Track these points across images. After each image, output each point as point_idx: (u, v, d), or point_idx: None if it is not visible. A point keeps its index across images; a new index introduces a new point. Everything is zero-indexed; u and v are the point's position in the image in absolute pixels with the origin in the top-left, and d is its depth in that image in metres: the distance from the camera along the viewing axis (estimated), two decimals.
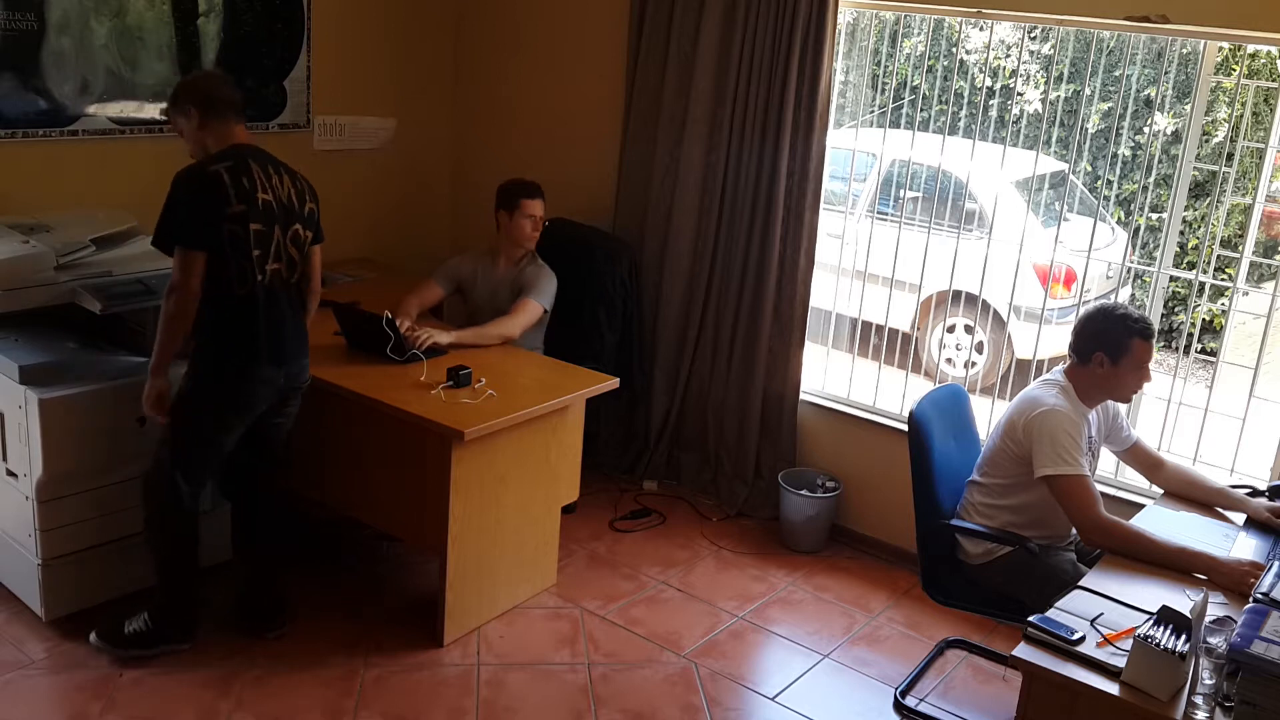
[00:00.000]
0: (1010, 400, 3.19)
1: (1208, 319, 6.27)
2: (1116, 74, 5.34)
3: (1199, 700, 2.02)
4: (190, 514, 3.01)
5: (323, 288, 3.96)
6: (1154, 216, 6.06)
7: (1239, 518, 2.90)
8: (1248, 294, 4.41)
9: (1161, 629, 2.10)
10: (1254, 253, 3.82)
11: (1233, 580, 2.47)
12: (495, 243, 3.95)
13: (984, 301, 5.29)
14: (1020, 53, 5.37)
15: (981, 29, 5.67)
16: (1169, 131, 6.28)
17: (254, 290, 2.86)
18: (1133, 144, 6.53)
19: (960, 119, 5.91)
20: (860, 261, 4.39)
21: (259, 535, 3.24)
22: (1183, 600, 2.36)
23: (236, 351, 2.88)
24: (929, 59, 4.76)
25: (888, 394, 4.20)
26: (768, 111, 3.98)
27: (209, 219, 2.76)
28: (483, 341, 3.62)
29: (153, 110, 3.92)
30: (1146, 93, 6.45)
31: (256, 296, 2.86)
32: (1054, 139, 6.05)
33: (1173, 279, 4.35)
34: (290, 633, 3.26)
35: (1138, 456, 3.14)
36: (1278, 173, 4.13)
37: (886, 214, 5.40)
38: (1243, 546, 2.70)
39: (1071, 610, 2.31)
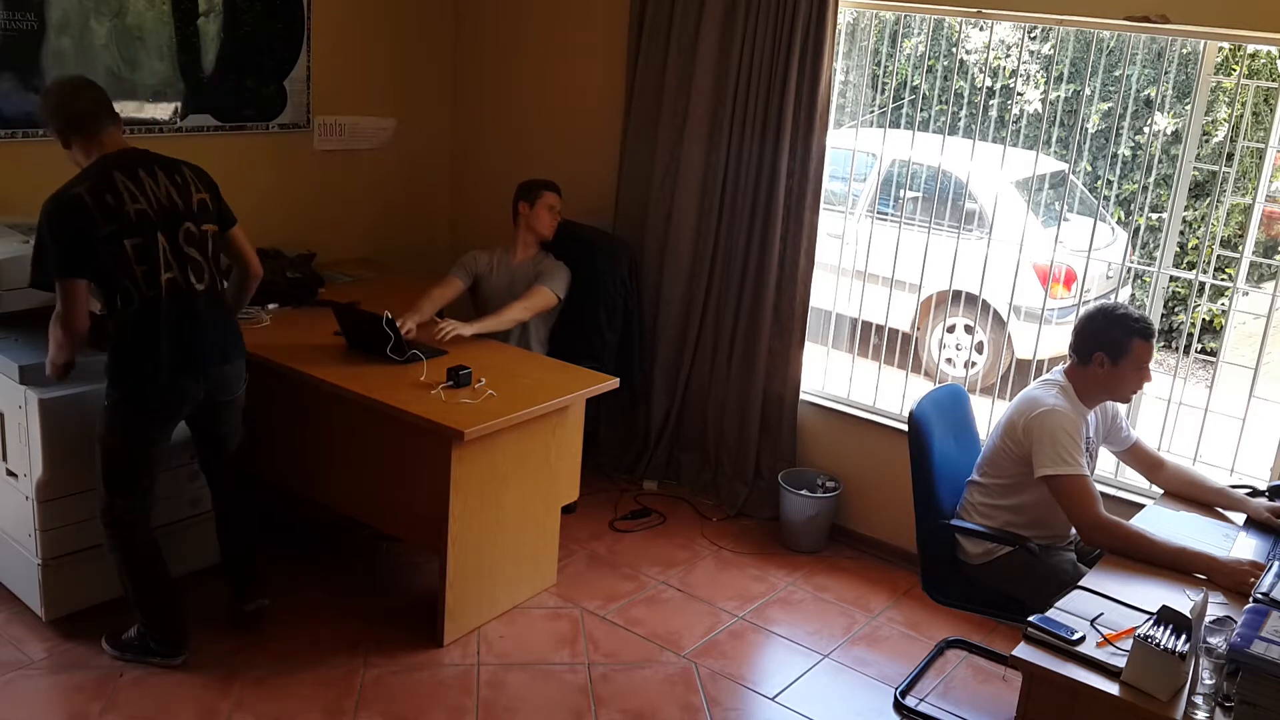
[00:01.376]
0: (1010, 400, 3.19)
1: (1208, 319, 6.27)
2: (1116, 74, 5.34)
3: (1199, 700, 2.02)
4: (132, 526, 2.93)
5: (323, 287, 3.99)
6: (1154, 216, 6.06)
7: (1239, 518, 2.90)
8: (1248, 294, 4.41)
9: (1161, 629, 2.10)
10: (1254, 253, 3.82)
11: (1233, 580, 2.47)
12: (513, 237, 4.07)
13: (984, 301, 5.29)
14: (1020, 53, 5.37)
15: (981, 29, 5.67)
16: (1169, 131, 6.28)
17: (149, 305, 2.74)
18: (1133, 144, 6.53)
19: (960, 119, 5.91)
20: (860, 261, 4.39)
21: (233, 527, 3.23)
22: (1183, 600, 2.36)
23: (140, 365, 2.78)
24: (929, 59, 4.76)
25: (888, 394, 4.20)
26: (768, 111, 3.98)
27: (79, 246, 2.65)
28: (500, 326, 3.76)
29: (153, 110, 3.92)
30: (1146, 93, 6.45)
31: (154, 310, 2.75)
32: (1054, 139, 6.05)
33: (1173, 279, 4.35)
34: (285, 625, 3.26)
35: (1137, 457, 3.14)
36: (1278, 173, 4.12)
37: (886, 214, 5.40)
38: (1243, 546, 2.70)
39: (1071, 610, 2.31)
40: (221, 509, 3.24)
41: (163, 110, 3.95)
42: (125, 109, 3.82)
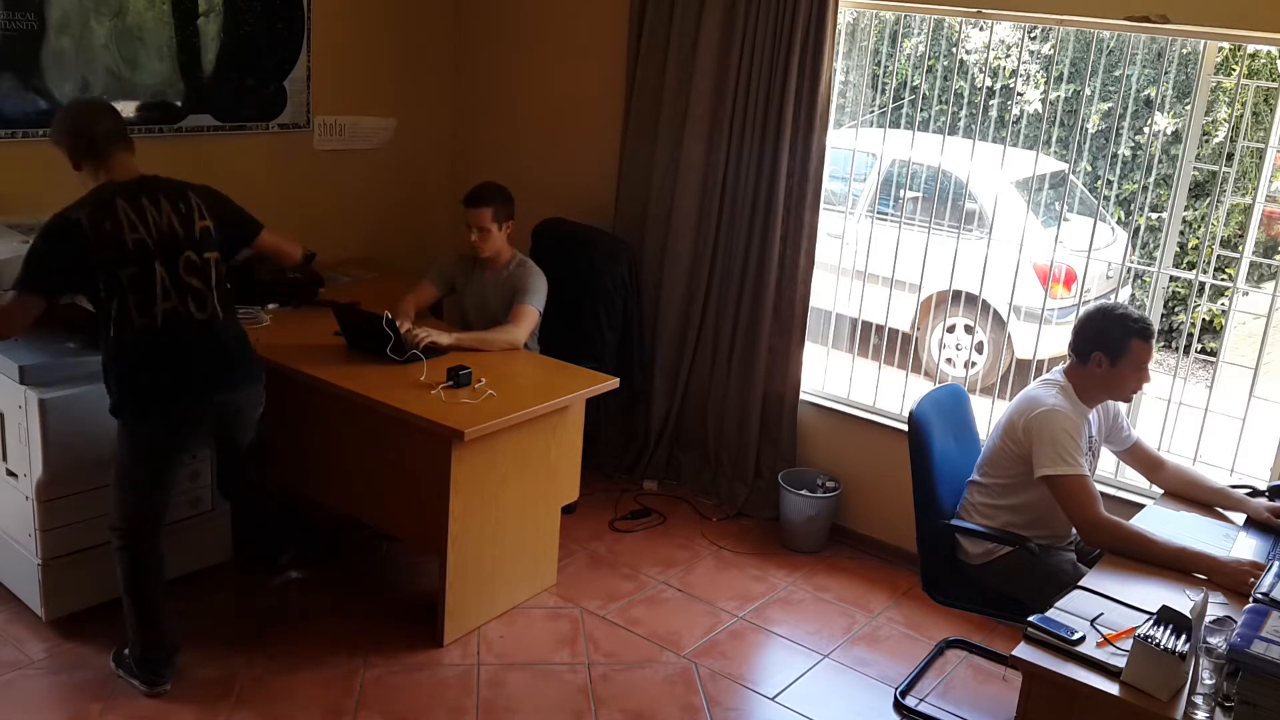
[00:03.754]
0: (1010, 400, 3.19)
1: (1208, 319, 6.27)
2: (1116, 74, 5.34)
3: (1199, 700, 2.02)
4: (138, 543, 2.88)
5: (323, 287, 3.98)
6: (1154, 216, 6.06)
7: (1239, 518, 2.90)
8: (1248, 294, 4.42)
9: (1161, 629, 2.10)
10: (1254, 253, 3.81)
11: (1233, 580, 2.47)
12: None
13: (984, 301, 5.28)
14: (1020, 53, 5.37)
15: (981, 29, 5.67)
16: (1169, 131, 6.28)
17: (142, 334, 2.72)
18: (1133, 144, 6.53)
19: (960, 119, 5.91)
20: (860, 261, 4.39)
21: (256, 529, 3.27)
22: (1183, 600, 2.36)
23: (135, 394, 2.76)
24: (929, 59, 4.76)
25: (888, 394, 4.20)
26: (768, 111, 3.98)
27: (64, 268, 2.65)
28: (485, 347, 3.59)
29: (153, 110, 3.91)
30: (1146, 93, 6.45)
31: (148, 340, 2.73)
32: (1054, 139, 6.05)
33: (1173, 279, 4.35)
34: (285, 625, 3.27)
35: (1138, 456, 3.14)
36: (1278, 173, 4.12)
37: (886, 214, 5.40)
38: (1243, 546, 2.70)
39: (1071, 610, 2.31)
40: (234, 497, 3.30)
41: (163, 110, 3.95)
42: (125, 109, 3.82)
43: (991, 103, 5.84)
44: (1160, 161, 6.23)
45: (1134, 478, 3.46)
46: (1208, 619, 2.14)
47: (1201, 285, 4.16)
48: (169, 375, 2.77)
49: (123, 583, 2.91)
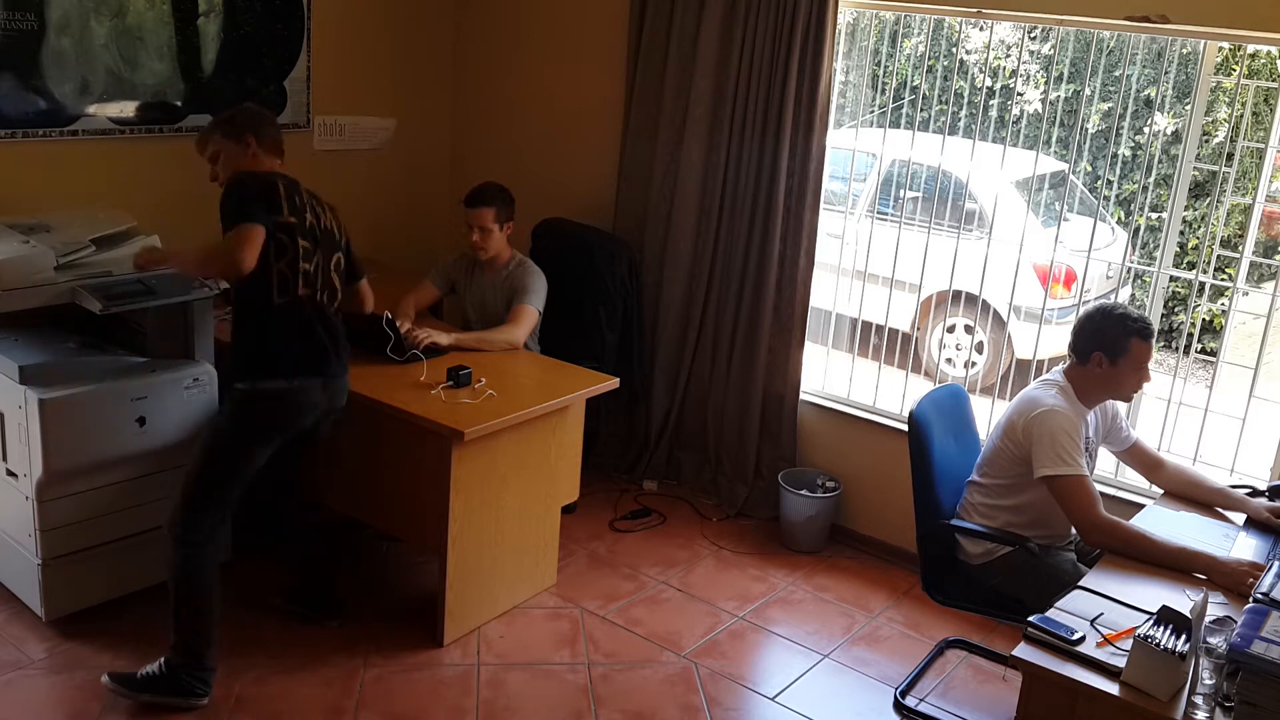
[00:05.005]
0: (1010, 400, 3.19)
1: (1208, 319, 6.27)
2: (1116, 74, 5.34)
3: (1199, 700, 2.02)
4: (205, 546, 2.85)
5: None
6: (1154, 216, 6.06)
7: (1239, 518, 2.90)
8: (1248, 294, 4.41)
9: (1161, 629, 2.10)
10: (1254, 253, 3.81)
11: (1233, 580, 2.47)
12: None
13: (984, 301, 5.29)
14: (1020, 53, 5.38)
15: (981, 29, 5.67)
16: (1169, 131, 6.28)
17: (297, 303, 2.84)
18: (1133, 144, 6.53)
19: (960, 119, 5.91)
20: (860, 261, 4.39)
21: (303, 535, 3.31)
22: (1183, 600, 2.36)
23: (275, 361, 2.85)
24: (929, 59, 4.76)
25: (888, 394, 4.20)
26: (768, 111, 3.98)
27: (268, 209, 2.73)
28: (485, 347, 3.60)
29: (153, 110, 3.91)
30: (1146, 93, 6.45)
31: (301, 310, 2.85)
32: (1054, 139, 6.05)
33: (1173, 279, 4.35)
34: (285, 625, 3.26)
35: (1137, 457, 3.14)
36: (1278, 173, 4.13)
37: (886, 214, 5.40)
38: (1243, 546, 2.70)
39: (1071, 610, 2.31)
40: (287, 523, 3.30)
41: (163, 110, 3.95)
42: (125, 109, 3.82)
43: (991, 103, 5.84)
44: (1160, 161, 6.23)
45: (1134, 478, 3.46)
46: (1208, 619, 2.14)
47: (1201, 285, 4.16)
48: (312, 347, 2.90)
49: (183, 585, 2.85)
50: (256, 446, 2.89)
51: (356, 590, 3.54)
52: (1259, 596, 2.28)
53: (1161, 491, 3.11)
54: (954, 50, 4.72)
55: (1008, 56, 6.37)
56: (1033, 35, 5.81)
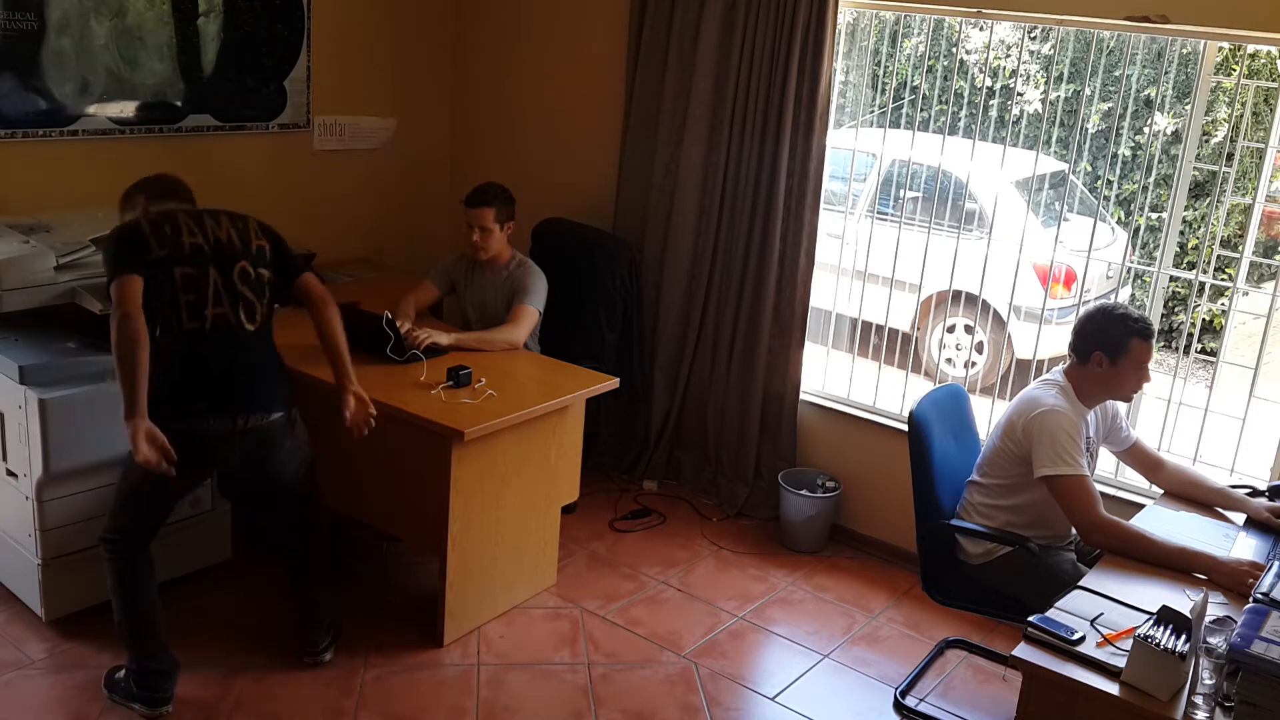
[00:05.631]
0: (1010, 400, 3.19)
1: (1208, 319, 6.27)
2: (1116, 74, 5.34)
3: (1199, 700, 2.02)
4: (130, 553, 2.81)
5: (325, 287, 3.95)
6: (1154, 216, 6.06)
7: (1239, 518, 2.90)
8: (1248, 294, 4.41)
9: (1161, 629, 2.10)
10: (1254, 253, 3.81)
11: (1233, 580, 2.47)
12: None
13: (984, 301, 5.29)
14: (1020, 53, 5.37)
15: (981, 29, 5.67)
16: (1169, 131, 6.28)
17: (191, 337, 2.72)
18: (1133, 144, 6.52)
19: (960, 119, 5.91)
20: (860, 261, 4.39)
21: (293, 564, 3.17)
22: (1183, 600, 2.36)
23: (173, 398, 2.70)
24: (929, 59, 4.76)
25: (888, 394, 4.20)
26: (768, 111, 3.98)
27: (132, 261, 2.66)
28: (485, 347, 3.60)
29: (153, 110, 3.91)
30: (1146, 93, 6.44)
31: (196, 343, 2.73)
32: (1054, 139, 6.05)
33: (1173, 279, 4.35)
34: (285, 625, 3.25)
35: (1137, 457, 3.14)
36: (1278, 173, 4.13)
37: (886, 214, 5.40)
38: (1243, 546, 2.70)
39: (1071, 610, 2.31)
40: (281, 545, 3.22)
41: (163, 110, 3.95)
42: (125, 109, 3.82)
43: (991, 103, 5.84)
44: (1160, 161, 6.23)
45: (1134, 478, 3.46)
46: (1208, 619, 2.14)
47: (1201, 285, 4.16)
48: (211, 382, 2.75)
49: (115, 593, 2.84)
50: (158, 479, 2.72)
51: (356, 590, 3.54)
52: (1259, 596, 2.28)
53: (1161, 491, 3.11)
54: (954, 50, 4.72)
55: (1008, 56, 6.37)
56: (1033, 35, 5.81)
